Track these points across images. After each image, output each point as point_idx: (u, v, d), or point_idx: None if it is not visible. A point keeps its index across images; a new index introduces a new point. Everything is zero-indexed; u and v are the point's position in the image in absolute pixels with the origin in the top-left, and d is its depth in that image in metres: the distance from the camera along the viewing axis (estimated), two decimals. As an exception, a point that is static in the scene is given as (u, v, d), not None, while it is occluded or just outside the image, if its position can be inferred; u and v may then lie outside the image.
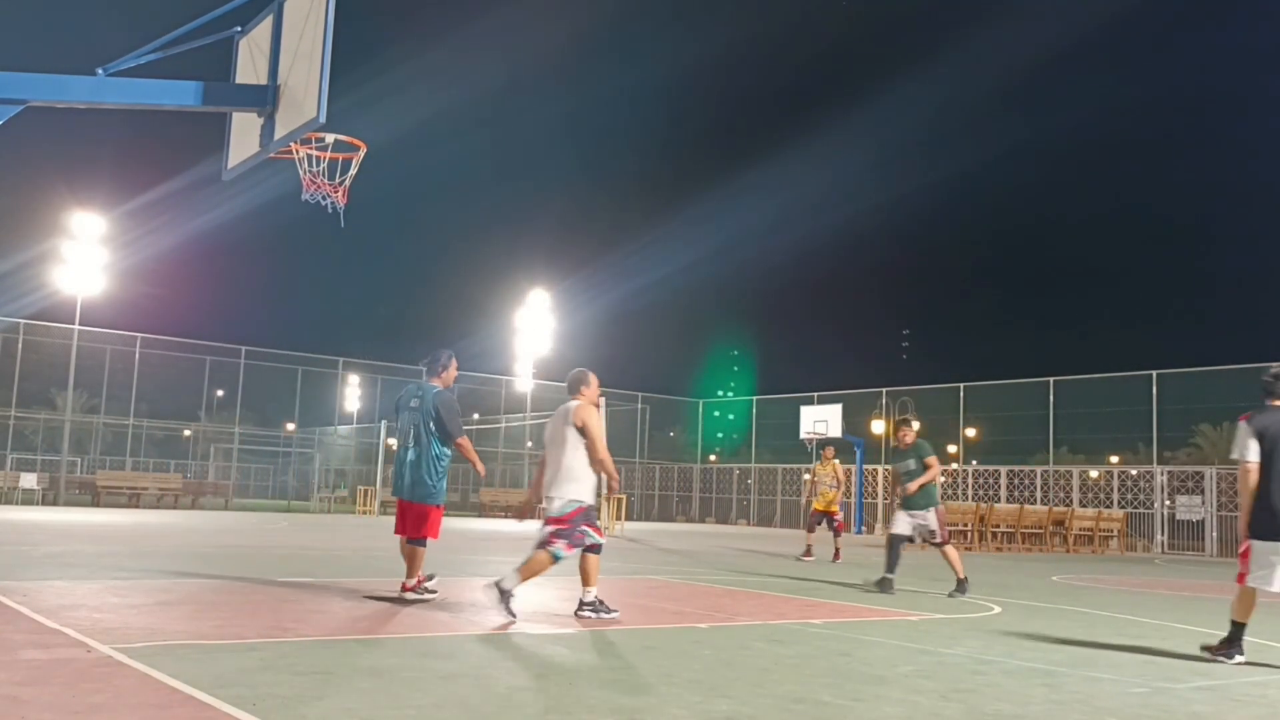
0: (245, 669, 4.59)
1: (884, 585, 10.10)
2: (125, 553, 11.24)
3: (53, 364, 32.50)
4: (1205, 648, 6.49)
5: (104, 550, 11.47)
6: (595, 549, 7.03)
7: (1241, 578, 6.37)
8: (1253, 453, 6.32)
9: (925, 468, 10.26)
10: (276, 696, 4.03)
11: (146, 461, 41.19)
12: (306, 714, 3.78)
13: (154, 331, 35.21)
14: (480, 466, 8.18)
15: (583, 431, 6.97)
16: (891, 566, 10.24)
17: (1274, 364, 6.80)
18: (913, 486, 10.24)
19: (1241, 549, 6.44)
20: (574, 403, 7.18)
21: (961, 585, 10.06)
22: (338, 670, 4.70)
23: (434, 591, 7.74)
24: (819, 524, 16.25)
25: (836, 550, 15.71)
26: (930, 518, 10.28)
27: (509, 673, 4.88)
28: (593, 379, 7.32)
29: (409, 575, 7.67)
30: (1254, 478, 6.29)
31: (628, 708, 4.15)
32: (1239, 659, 6.26)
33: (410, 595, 7.61)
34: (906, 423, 10.74)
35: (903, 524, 10.36)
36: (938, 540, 10.32)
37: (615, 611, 7.01)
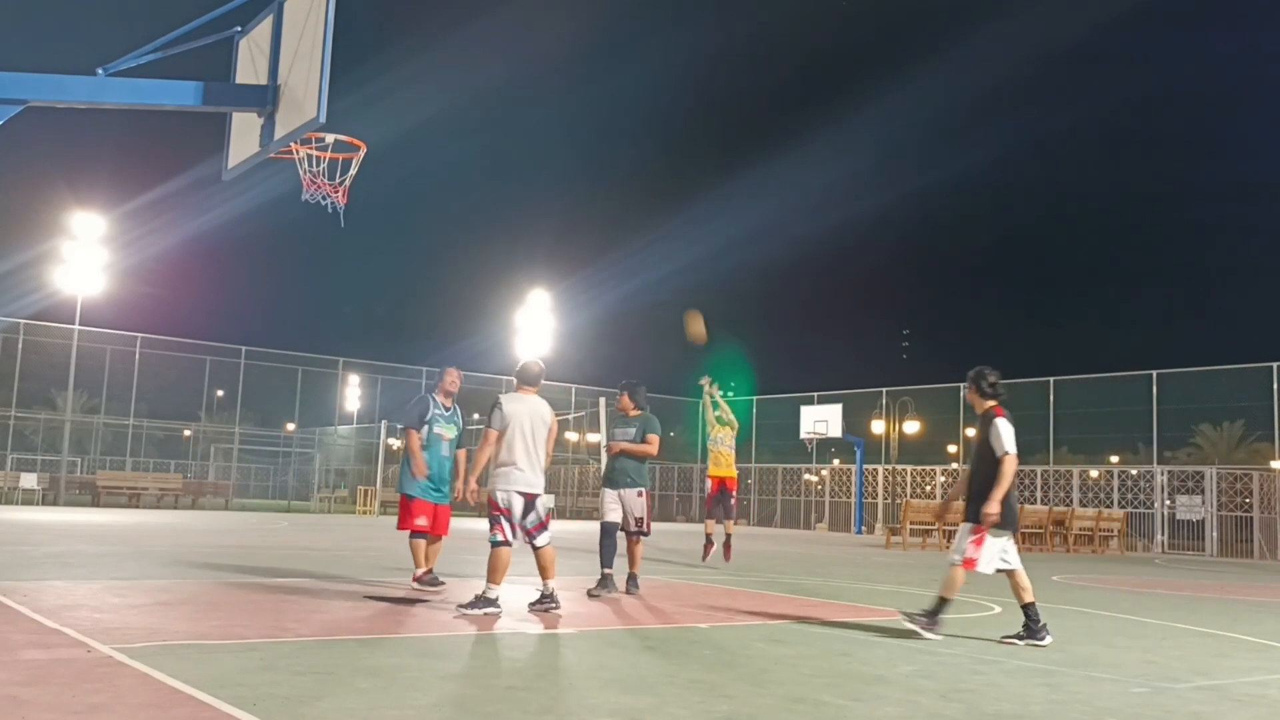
0: (245, 669, 4.59)
1: (604, 583, 8.70)
2: (125, 553, 11.24)
3: (53, 364, 32.47)
4: (908, 615, 6.83)
5: (104, 550, 11.47)
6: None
7: (971, 563, 6.69)
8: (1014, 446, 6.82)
9: (645, 443, 8.94)
10: (276, 696, 4.03)
11: (146, 461, 41.16)
12: (306, 714, 3.79)
13: (154, 331, 35.18)
14: (418, 466, 8.49)
15: (550, 434, 7.42)
16: (608, 560, 8.80)
17: (984, 367, 7.23)
18: (621, 446, 8.90)
19: (978, 537, 6.72)
20: (543, 401, 7.46)
21: (633, 580, 8.85)
22: (338, 670, 4.70)
23: (443, 583, 8.47)
24: (719, 504, 13.63)
25: (727, 544, 13.41)
26: (640, 502, 8.85)
27: (509, 673, 4.88)
28: None
29: (431, 564, 8.57)
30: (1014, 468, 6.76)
31: (628, 708, 4.15)
32: (941, 635, 6.67)
33: (428, 581, 8.40)
34: (630, 390, 9.24)
35: (613, 509, 8.89)
36: (638, 530, 8.87)
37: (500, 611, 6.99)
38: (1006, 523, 6.75)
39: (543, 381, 7.56)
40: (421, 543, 8.48)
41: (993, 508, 6.62)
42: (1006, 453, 6.72)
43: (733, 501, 13.70)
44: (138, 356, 33.75)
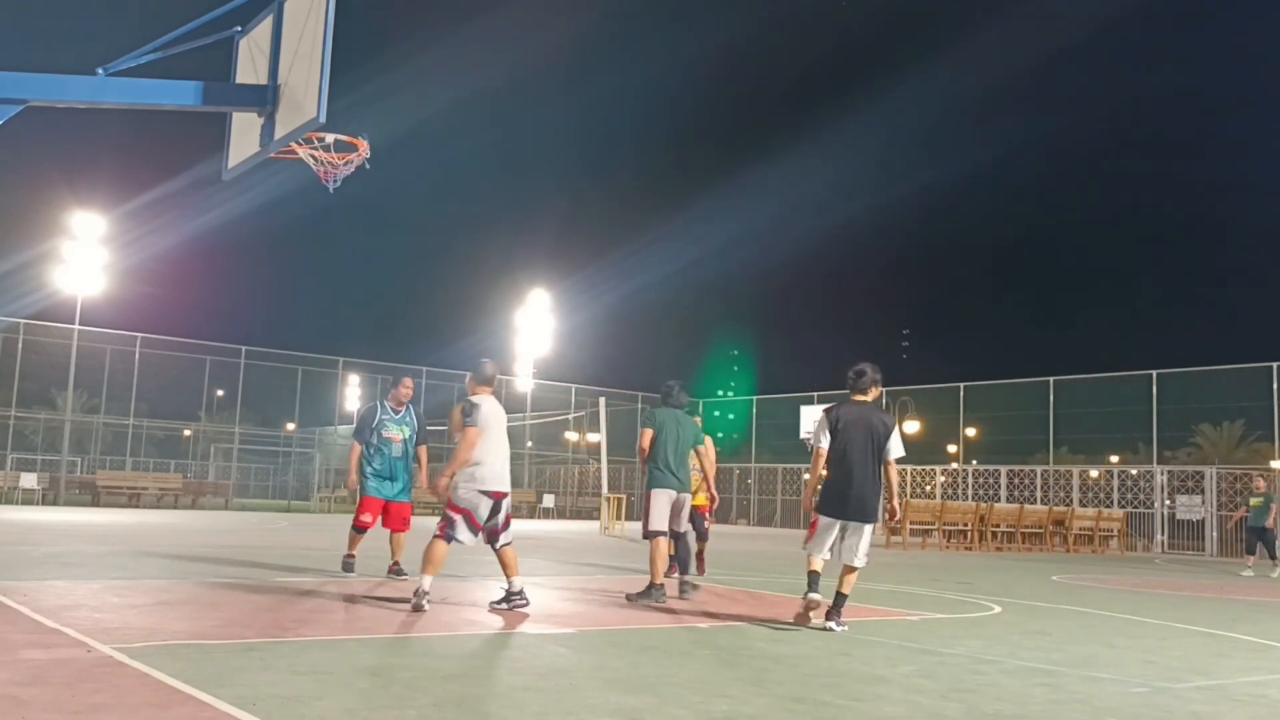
0: (245, 669, 4.59)
1: (683, 589, 8.66)
2: (125, 553, 11.24)
3: (53, 364, 32.49)
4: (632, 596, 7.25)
5: (104, 550, 11.47)
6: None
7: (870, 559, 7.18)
8: (825, 441, 7.13)
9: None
10: (276, 696, 4.03)
11: (146, 461, 41.12)
12: (306, 714, 3.78)
13: (154, 331, 35.19)
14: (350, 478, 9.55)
15: None
16: (685, 566, 8.93)
17: (863, 364, 7.37)
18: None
19: (812, 521, 7.14)
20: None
21: (652, 591, 8.22)
22: (338, 670, 4.70)
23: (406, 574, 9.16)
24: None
25: (700, 557, 10.81)
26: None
27: (509, 673, 4.88)
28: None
29: (396, 556, 9.42)
30: (822, 462, 7.14)
31: (628, 708, 4.15)
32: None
33: (395, 571, 9.23)
34: (669, 389, 8.80)
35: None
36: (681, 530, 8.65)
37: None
38: (829, 509, 7.07)
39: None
40: (357, 535, 9.37)
41: (807, 495, 7.22)
42: (815, 445, 7.22)
43: (706, 524, 10.80)
44: (138, 356, 33.76)
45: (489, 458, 7.14)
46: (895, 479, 7.13)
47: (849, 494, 6.99)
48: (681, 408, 8.75)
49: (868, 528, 7.04)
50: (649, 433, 8.50)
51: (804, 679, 5.02)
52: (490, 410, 7.26)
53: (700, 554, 11.35)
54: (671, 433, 8.49)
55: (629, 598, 8.31)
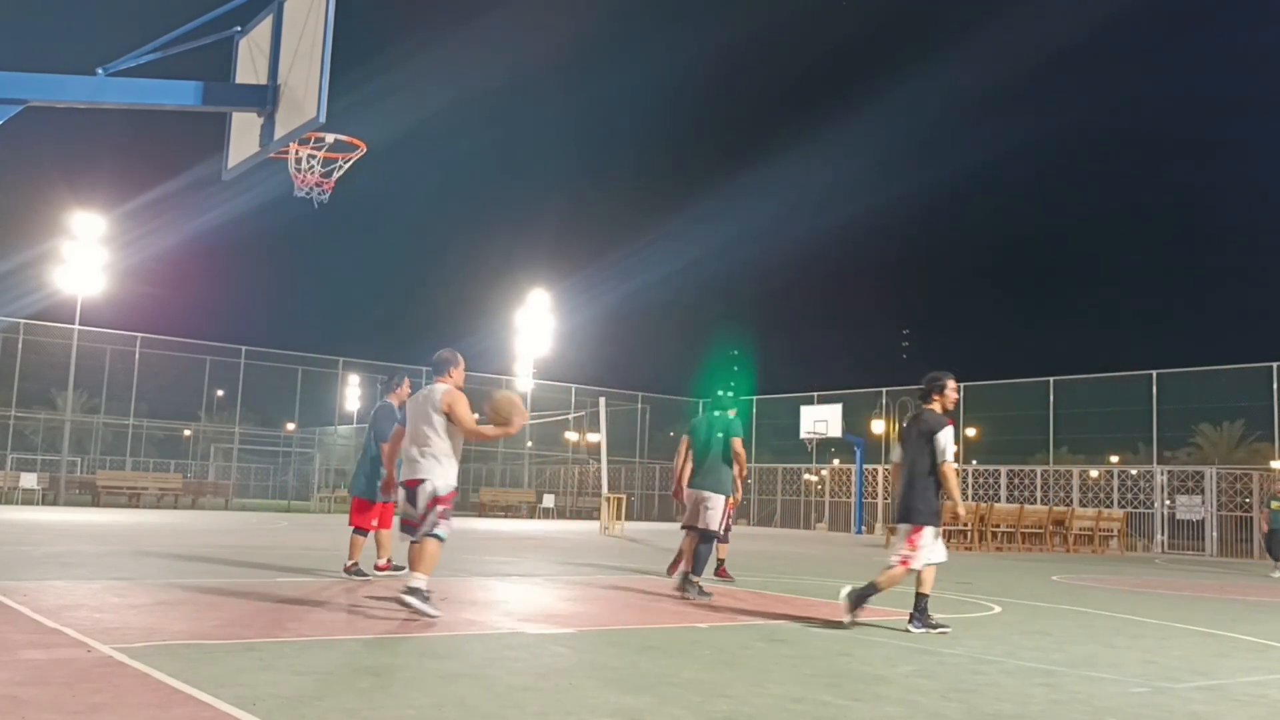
0: (245, 669, 4.59)
1: (687, 588, 8.64)
2: (125, 553, 11.24)
3: (53, 364, 32.52)
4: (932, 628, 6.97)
5: (104, 550, 11.47)
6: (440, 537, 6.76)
7: (908, 562, 7.02)
8: (894, 453, 7.48)
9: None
10: (276, 696, 4.03)
11: (146, 461, 41.13)
12: (306, 714, 3.79)
13: (154, 331, 35.23)
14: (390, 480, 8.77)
15: (449, 416, 6.82)
16: (698, 566, 8.76)
17: (936, 372, 7.46)
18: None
19: (915, 534, 7.04)
20: (440, 386, 6.97)
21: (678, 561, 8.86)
22: (338, 670, 4.70)
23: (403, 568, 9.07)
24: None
25: (720, 563, 10.99)
26: (717, 503, 8.87)
27: (509, 673, 4.88)
28: (461, 361, 7.21)
29: (389, 552, 9.43)
30: (896, 472, 7.37)
31: (628, 708, 4.15)
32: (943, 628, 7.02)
33: (395, 568, 9.15)
34: (725, 393, 9.71)
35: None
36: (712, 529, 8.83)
37: (438, 613, 6.54)
38: (939, 518, 7.23)
39: (456, 369, 7.07)
40: (361, 539, 9.29)
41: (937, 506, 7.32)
42: (948, 461, 7.20)
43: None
44: (138, 356, 33.78)
45: (406, 448, 6.92)
46: (948, 479, 7.10)
47: (897, 497, 7.36)
48: (722, 410, 9.39)
49: (904, 529, 7.19)
50: (683, 440, 9.36)
51: (804, 679, 5.02)
52: (410, 401, 7.12)
53: (720, 559, 11.14)
54: (699, 435, 9.13)
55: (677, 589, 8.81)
